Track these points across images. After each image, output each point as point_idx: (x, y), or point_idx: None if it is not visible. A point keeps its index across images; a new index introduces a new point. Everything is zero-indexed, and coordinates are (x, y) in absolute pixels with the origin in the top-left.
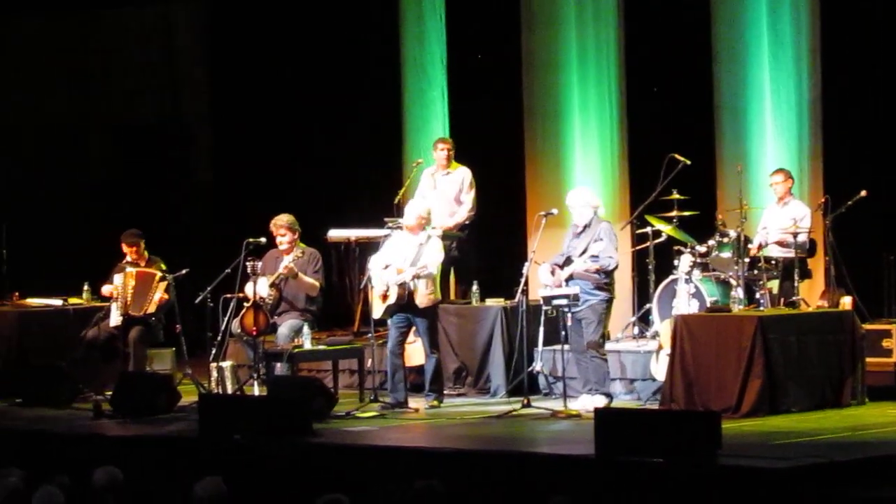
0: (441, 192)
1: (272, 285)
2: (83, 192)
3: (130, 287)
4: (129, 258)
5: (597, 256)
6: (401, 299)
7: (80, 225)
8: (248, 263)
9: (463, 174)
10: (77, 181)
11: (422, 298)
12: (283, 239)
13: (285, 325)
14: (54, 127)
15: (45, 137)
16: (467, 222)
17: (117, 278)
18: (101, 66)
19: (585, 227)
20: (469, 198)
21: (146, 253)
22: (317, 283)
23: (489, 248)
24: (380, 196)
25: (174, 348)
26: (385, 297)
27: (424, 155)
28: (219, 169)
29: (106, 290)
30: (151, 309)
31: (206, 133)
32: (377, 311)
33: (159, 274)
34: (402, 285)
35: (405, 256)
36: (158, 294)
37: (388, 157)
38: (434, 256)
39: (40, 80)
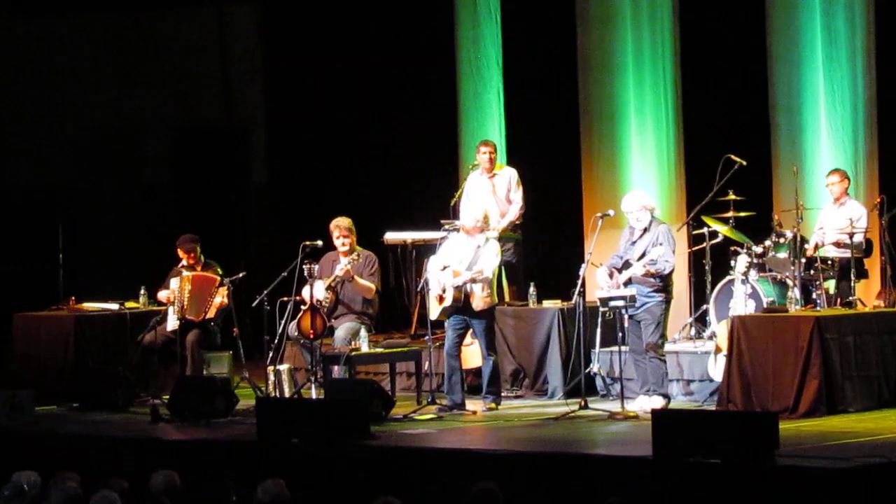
0: (491, 193)
1: (329, 288)
2: (138, 194)
3: (187, 291)
4: (184, 262)
5: (654, 261)
6: (457, 302)
7: (136, 228)
8: (304, 266)
9: (510, 174)
10: (132, 183)
11: (478, 301)
12: (347, 241)
13: (342, 328)
14: (109, 128)
15: (100, 139)
16: (518, 221)
17: (174, 282)
18: (155, 66)
19: (644, 230)
20: (518, 196)
21: (202, 257)
22: (372, 286)
23: (545, 249)
24: (436, 198)
25: (231, 352)
26: (442, 298)
27: None
28: (274, 170)
29: (162, 295)
30: (211, 314)
31: (260, 134)
32: (434, 312)
33: (219, 279)
34: (458, 288)
35: (462, 258)
36: (219, 299)
37: (444, 160)
38: (491, 260)
39: (95, 81)
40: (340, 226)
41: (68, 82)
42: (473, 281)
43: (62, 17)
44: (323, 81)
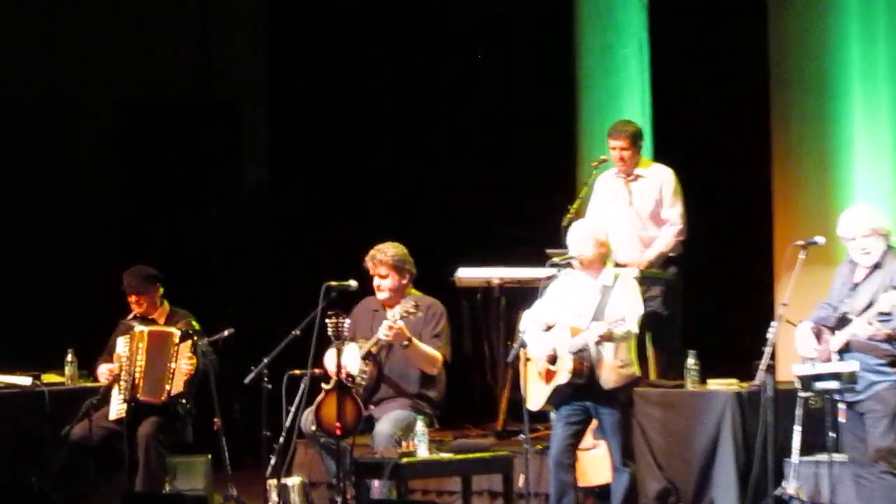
0: (626, 205)
1: (367, 356)
2: (70, 206)
3: (140, 356)
4: (136, 311)
5: (889, 315)
6: (577, 377)
7: (64, 257)
8: (328, 321)
9: (661, 179)
10: (62, 190)
11: (610, 374)
12: (385, 283)
13: (387, 420)
14: (30, 108)
15: (14, 125)
16: (673, 254)
17: (121, 343)
18: (104, 20)
19: (875, 266)
20: (675, 213)
21: (166, 304)
22: (438, 355)
23: (713, 298)
24: (539, 215)
25: (210, 454)
26: (550, 373)
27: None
28: (279, 169)
29: (104, 372)
30: (177, 388)
31: (260, 115)
32: (536, 397)
33: (177, 332)
34: (579, 354)
35: (581, 311)
36: (185, 364)
37: (551, 155)
38: (633, 305)
39: (13, 40)
40: (380, 259)
41: None
42: (609, 339)
43: None
44: (354, 33)
